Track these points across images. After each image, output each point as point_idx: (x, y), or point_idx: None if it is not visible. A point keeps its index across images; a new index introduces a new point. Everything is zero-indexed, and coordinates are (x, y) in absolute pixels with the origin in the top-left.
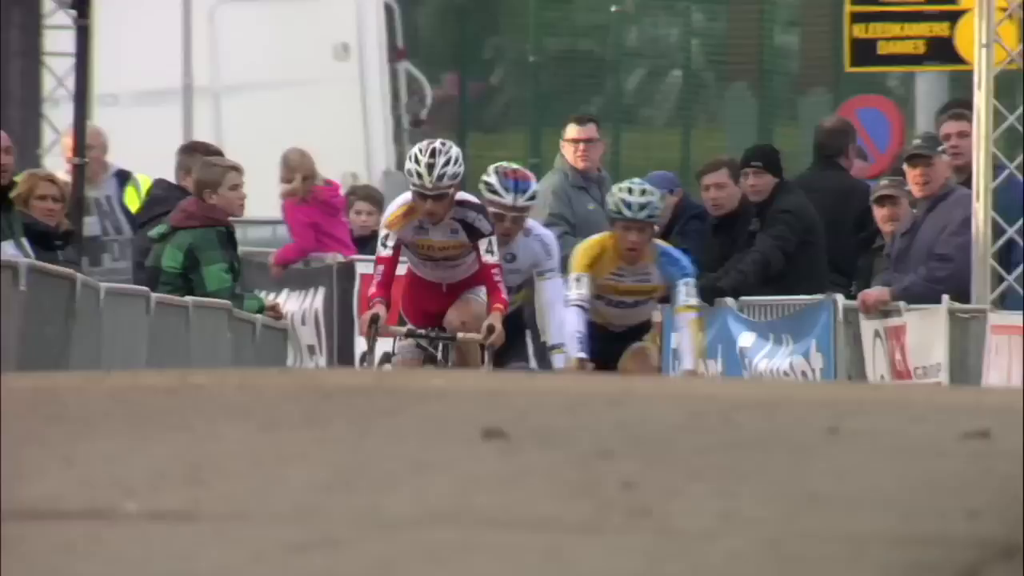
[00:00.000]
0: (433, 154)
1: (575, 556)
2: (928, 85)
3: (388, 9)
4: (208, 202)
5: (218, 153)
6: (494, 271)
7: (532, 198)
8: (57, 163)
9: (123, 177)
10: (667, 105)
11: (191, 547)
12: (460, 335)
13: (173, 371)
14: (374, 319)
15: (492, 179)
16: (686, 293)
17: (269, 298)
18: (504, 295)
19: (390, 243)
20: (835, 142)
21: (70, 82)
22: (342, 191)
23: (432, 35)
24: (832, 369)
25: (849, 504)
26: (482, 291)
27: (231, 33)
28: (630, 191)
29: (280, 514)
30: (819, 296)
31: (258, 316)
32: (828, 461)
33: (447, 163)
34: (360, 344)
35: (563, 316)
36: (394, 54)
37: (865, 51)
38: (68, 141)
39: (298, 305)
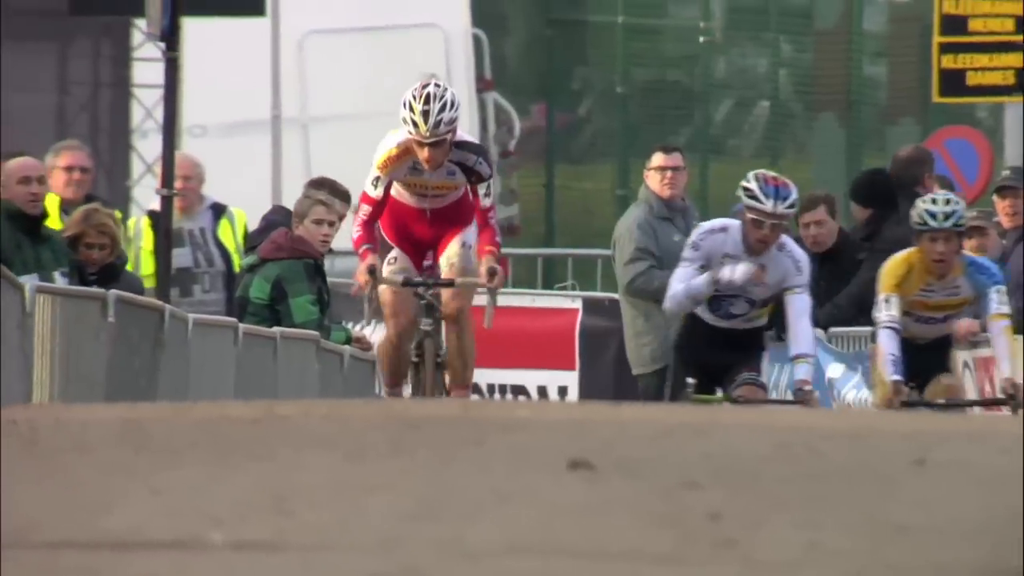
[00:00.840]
0: (428, 100)
1: None
2: (1017, 116)
3: (476, 39)
4: (296, 233)
5: (344, 192)
6: (490, 214)
7: (792, 206)
8: (146, 194)
9: (218, 210)
10: (755, 136)
11: None
12: (459, 280)
13: (259, 402)
14: (371, 270)
15: (752, 184)
16: (998, 301)
17: (356, 329)
18: (497, 237)
19: (380, 185)
20: (911, 171)
21: (159, 113)
22: None
23: (520, 66)
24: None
25: (935, 535)
26: (470, 236)
27: (320, 63)
28: (934, 201)
29: (365, 544)
30: None
31: (346, 347)
32: (914, 492)
33: (443, 108)
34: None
35: (809, 329)
36: (482, 84)
37: (954, 82)
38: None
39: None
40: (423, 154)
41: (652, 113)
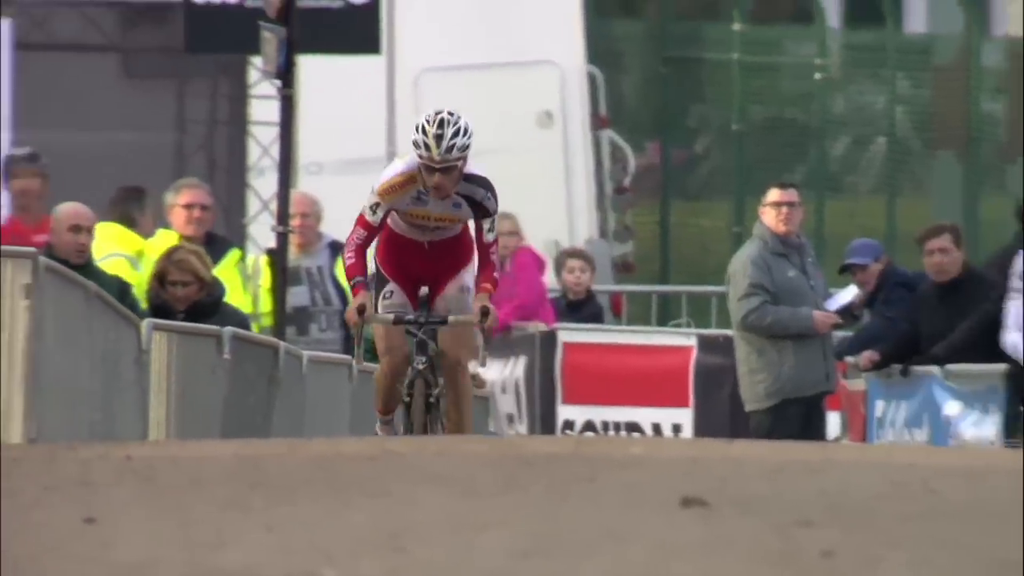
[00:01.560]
0: (441, 124)
1: None
2: None
3: (591, 77)
4: None
5: None
6: (491, 249)
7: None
8: (263, 232)
9: (336, 248)
10: (872, 173)
11: None
12: (452, 318)
13: (374, 438)
14: (361, 309)
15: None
16: None
17: (474, 367)
18: (496, 274)
19: (380, 212)
20: None
21: (275, 151)
22: (548, 259)
23: (635, 103)
24: None
25: None
26: (469, 279)
27: (435, 101)
28: None
29: None
30: None
31: None
32: None
33: (456, 134)
34: (562, 412)
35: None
36: (597, 122)
37: None
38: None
39: (499, 374)
40: (432, 180)
41: (768, 150)
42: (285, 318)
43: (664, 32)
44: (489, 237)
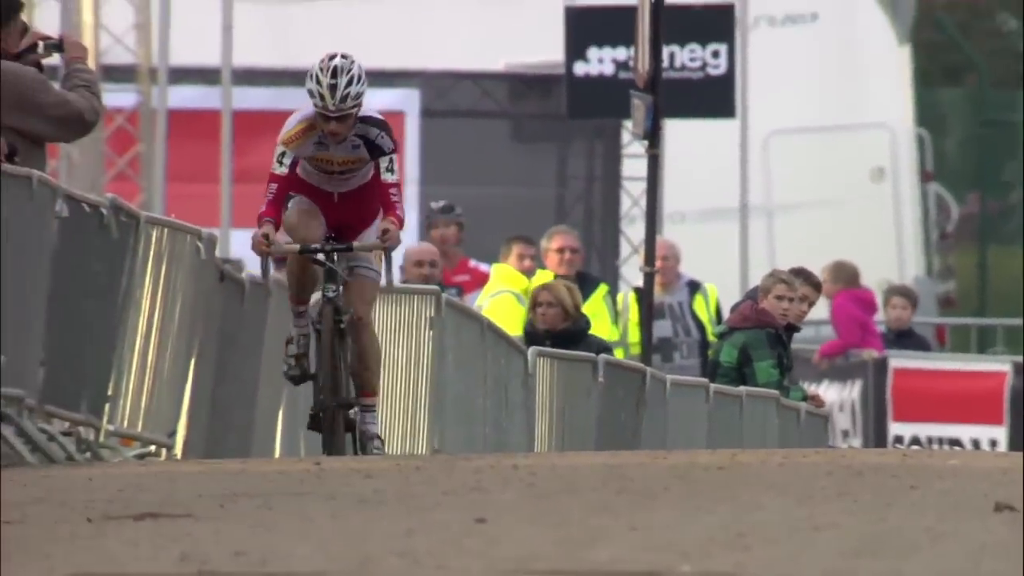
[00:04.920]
0: (335, 73)
1: None
2: None
3: (919, 137)
4: (760, 306)
5: (817, 283)
6: (392, 190)
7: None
8: (632, 272)
9: (693, 287)
10: None
11: None
12: (356, 244)
13: (724, 450)
14: (265, 237)
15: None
16: None
17: (811, 389)
18: (400, 213)
19: (286, 161)
20: None
21: (643, 202)
22: (879, 297)
23: (957, 160)
24: None
25: None
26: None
27: (782, 158)
28: None
29: None
30: None
31: (802, 404)
32: None
33: (350, 83)
34: (892, 428)
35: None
36: (924, 176)
37: None
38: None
39: (837, 395)
40: (328, 127)
41: None
42: (651, 347)
43: (983, 98)
44: (388, 177)
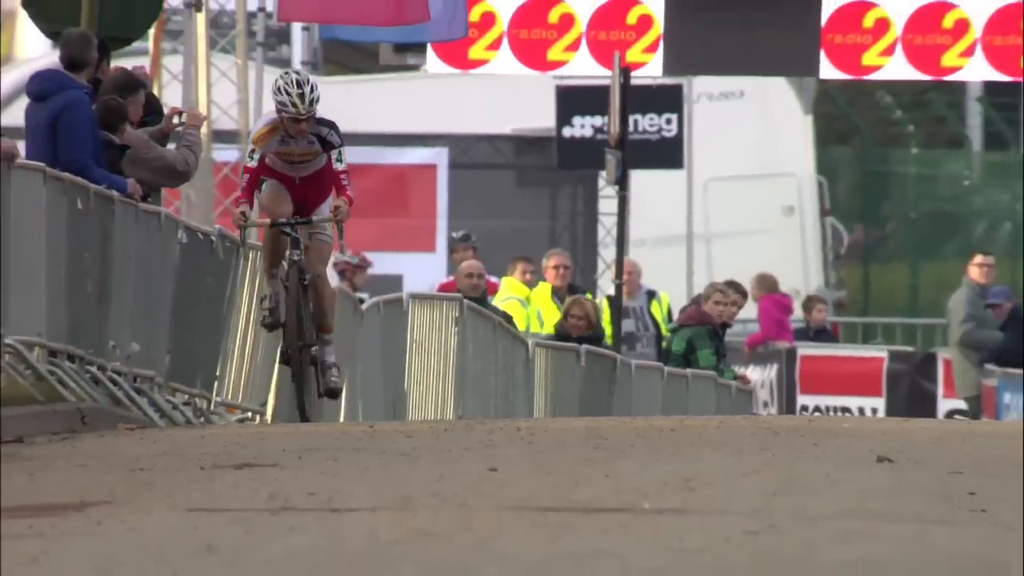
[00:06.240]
0: (299, 85)
1: (935, 539)
2: None
3: (819, 183)
4: (702, 309)
5: (744, 292)
6: (342, 176)
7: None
8: (606, 284)
9: (651, 294)
10: (1002, 244)
11: (684, 532)
12: (315, 217)
13: (675, 417)
14: (244, 214)
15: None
16: None
17: (740, 371)
18: (350, 193)
19: (256, 156)
20: None
21: (614, 231)
22: (797, 303)
23: (847, 200)
24: None
25: None
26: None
27: (718, 198)
28: None
29: (735, 511)
30: None
31: (733, 382)
32: None
33: (312, 90)
34: (800, 400)
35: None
36: (823, 212)
37: None
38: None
39: (759, 375)
40: (297, 127)
41: (932, 231)
42: (620, 340)
43: (866, 155)
44: (338, 166)
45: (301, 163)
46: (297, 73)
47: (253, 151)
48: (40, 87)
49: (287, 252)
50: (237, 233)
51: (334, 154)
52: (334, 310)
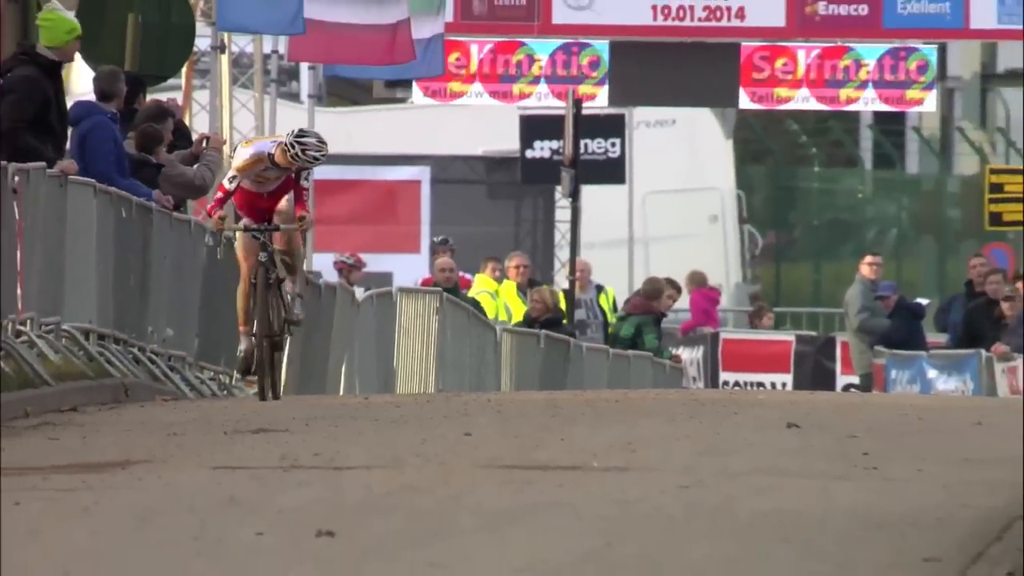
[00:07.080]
0: (303, 135)
1: (835, 492)
2: None
3: (739, 196)
4: (650, 302)
5: (678, 288)
6: (303, 192)
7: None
8: (561, 280)
9: (599, 288)
10: (889, 247)
11: (627, 487)
12: (283, 225)
13: (619, 390)
14: (222, 219)
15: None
16: None
17: (674, 352)
18: (308, 205)
19: (235, 183)
20: None
21: (568, 236)
22: (720, 295)
23: (761, 211)
24: (979, 391)
25: (990, 466)
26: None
27: (655, 208)
28: None
29: (669, 469)
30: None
31: (667, 361)
32: (975, 441)
33: (317, 148)
34: (723, 376)
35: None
36: (741, 220)
37: None
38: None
39: (689, 355)
40: (285, 162)
41: (832, 236)
42: (573, 326)
43: (777, 173)
44: (304, 183)
45: (272, 182)
46: (322, 143)
47: (234, 178)
48: (74, 114)
49: (257, 254)
50: (216, 233)
51: (302, 176)
52: (302, 257)
